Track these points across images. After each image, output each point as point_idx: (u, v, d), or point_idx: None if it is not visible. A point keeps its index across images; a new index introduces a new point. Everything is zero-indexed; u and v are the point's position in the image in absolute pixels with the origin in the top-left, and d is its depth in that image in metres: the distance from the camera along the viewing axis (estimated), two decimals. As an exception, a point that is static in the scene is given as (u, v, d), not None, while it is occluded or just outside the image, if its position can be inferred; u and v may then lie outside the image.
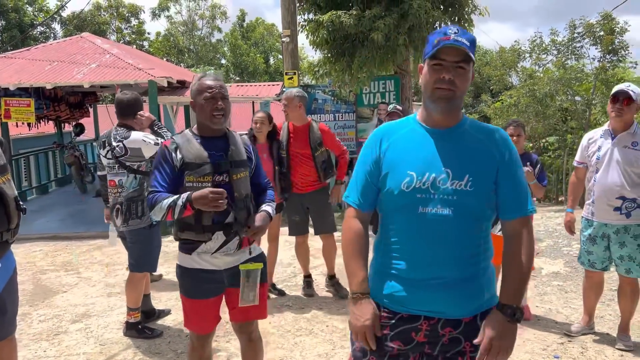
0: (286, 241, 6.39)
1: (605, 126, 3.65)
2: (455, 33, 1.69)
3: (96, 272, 5.79)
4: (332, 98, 9.43)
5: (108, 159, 3.88)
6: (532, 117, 13.76)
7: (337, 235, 4.53)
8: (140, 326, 4.03)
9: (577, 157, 3.83)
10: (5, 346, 2.77)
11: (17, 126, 10.42)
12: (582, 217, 3.77)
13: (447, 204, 1.70)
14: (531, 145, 14.34)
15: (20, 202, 2.66)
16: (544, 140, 14.57)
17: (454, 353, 1.77)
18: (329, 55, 8.25)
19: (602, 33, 13.50)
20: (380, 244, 1.86)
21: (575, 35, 14.13)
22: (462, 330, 1.76)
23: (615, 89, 3.53)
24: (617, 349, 3.62)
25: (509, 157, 1.76)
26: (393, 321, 1.80)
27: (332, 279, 4.85)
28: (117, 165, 3.85)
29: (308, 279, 4.93)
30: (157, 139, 3.81)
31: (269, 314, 4.35)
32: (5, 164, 2.61)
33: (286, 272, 5.58)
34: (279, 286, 4.99)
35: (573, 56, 14.37)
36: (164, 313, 4.45)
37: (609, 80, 13.54)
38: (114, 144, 3.82)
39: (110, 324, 4.29)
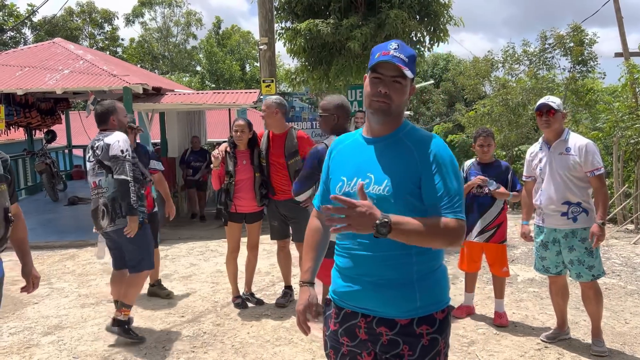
0: (264, 250, 6.35)
1: (541, 139, 3.83)
2: (395, 49, 1.80)
3: (69, 282, 5.65)
4: (310, 106, 9.44)
5: (90, 161, 3.93)
6: (505, 125, 14.00)
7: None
8: (127, 326, 3.97)
9: (525, 172, 4.00)
10: None
11: (5, 134, 10.18)
12: (534, 224, 3.92)
13: None
14: (504, 153, 14.57)
15: (9, 214, 2.61)
16: (516, 149, 14.81)
17: (393, 355, 1.84)
18: (307, 63, 8.28)
19: (572, 44, 13.86)
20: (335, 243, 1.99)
21: (546, 46, 14.48)
22: (399, 332, 1.81)
23: (537, 103, 3.76)
24: (592, 354, 3.69)
25: (433, 161, 1.77)
26: (340, 317, 1.93)
27: (288, 288, 4.94)
28: (97, 166, 3.89)
29: (287, 289, 4.88)
30: (124, 150, 3.81)
31: (247, 324, 4.33)
32: (2, 174, 2.61)
33: (264, 281, 5.53)
34: (257, 295, 4.94)
35: (544, 66, 14.71)
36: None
37: (578, 90, 13.88)
38: (97, 144, 3.90)
39: (84, 335, 4.18)
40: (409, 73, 1.79)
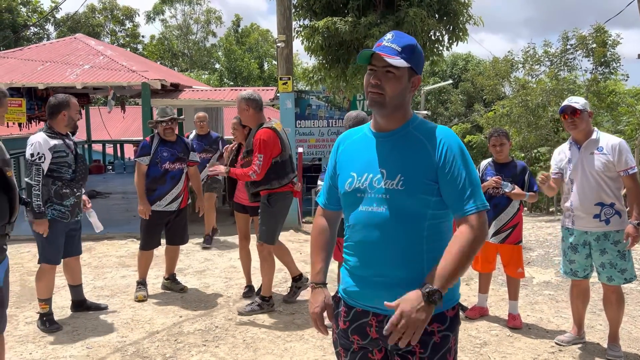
0: (278, 246, 6.35)
1: (570, 139, 3.75)
2: (388, 39, 1.79)
3: (84, 274, 5.69)
4: (326, 104, 9.44)
5: None
6: (524, 127, 13.83)
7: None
8: (44, 318, 4.17)
9: (552, 169, 3.87)
10: None
11: (7, 126, 10.33)
12: (562, 226, 3.82)
13: (381, 202, 1.79)
14: (523, 155, 14.42)
15: (23, 196, 2.75)
16: (535, 151, 14.65)
17: (405, 352, 1.81)
18: (324, 61, 8.27)
19: (594, 45, 13.63)
20: (344, 241, 1.96)
21: (568, 47, 14.27)
22: None
23: (561, 106, 3.69)
24: (607, 359, 3.62)
25: (446, 156, 1.77)
26: (350, 315, 1.90)
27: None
28: None
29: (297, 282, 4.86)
30: (34, 154, 3.93)
31: (259, 319, 4.33)
32: (9, 158, 2.77)
33: (277, 277, 5.52)
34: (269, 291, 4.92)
35: (565, 67, 14.50)
36: (99, 307, 4.61)
37: (600, 92, 13.67)
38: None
39: (98, 326, 4.23)
40: (394, 61, 1.74)
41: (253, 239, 4.98)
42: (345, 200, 1.91)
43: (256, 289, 4.91)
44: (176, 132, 5.06)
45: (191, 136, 7.19)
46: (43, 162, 3.95)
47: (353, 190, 1.85)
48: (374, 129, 1.90)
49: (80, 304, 4.57)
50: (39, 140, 3.97)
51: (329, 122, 9.41)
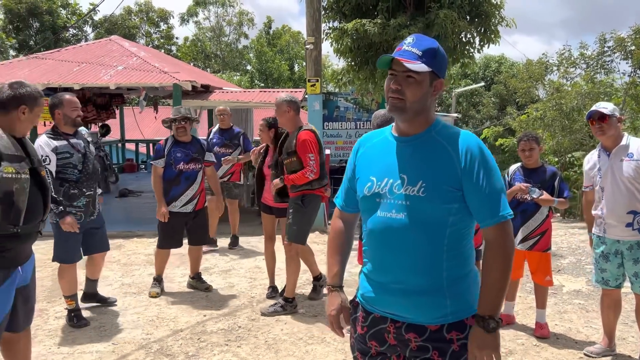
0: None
1: (599, 146, 3.65)
2: (409, 43, 1.77)
3: (113, 271, 5.83)
4: (355, 106, 9.42)
5: None
6: (558, 131, 13.48)
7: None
8: (72, 314, 4.26)
9: (585, 182, 3.82)
10: (23, 337, 2.89)
11: (44, 125, 10.63)
12: (594, 234, 3.70)
13: (400, 209, 1.75)
14: (557, 159, 14.06)
15: (54, 195, 2.85)
16: (569, 155, 14.25)
17: (423, 359, 1.80)
18: (353, 63, 8.25)
19: (633, 47, 13.20)
20: (363, 246, 1.94)
21: (605, 49, 13.85)
22: (428, 338, 1.78)
23: (588, 112, 3.62)
24: (638, 372, 3.50)
25: (471, 163, 1.73)
26: (368, 321, 1.88)
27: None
28: None
29: (316, 281, 4.94)
30: (42, 152, 3.87)
31: (282, 321, 4.34)
32: (40, 159, 2.89)
33: (301, 279, 5.52)
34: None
35: (602, 70, 14.08)
36: (108, 301, 4.71)
37: (639, 96, 13.22)
38: None
39: (124, 323, 4.31)
40: (414, 66, 1.71)
41: (278, 240, 5.04)
42: (364, 204, 1.89)
43: (280, 290, 4.93)
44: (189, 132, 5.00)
45: (214, 130, 6.93)
46: (49, 164, 3.94)
47: (372, 194, 1.83)
48: (395, 132, 1.88)
49: (91, 296, 4.69)
50: (40, 144, 3.98)
51: (357, 124, 9.38)
